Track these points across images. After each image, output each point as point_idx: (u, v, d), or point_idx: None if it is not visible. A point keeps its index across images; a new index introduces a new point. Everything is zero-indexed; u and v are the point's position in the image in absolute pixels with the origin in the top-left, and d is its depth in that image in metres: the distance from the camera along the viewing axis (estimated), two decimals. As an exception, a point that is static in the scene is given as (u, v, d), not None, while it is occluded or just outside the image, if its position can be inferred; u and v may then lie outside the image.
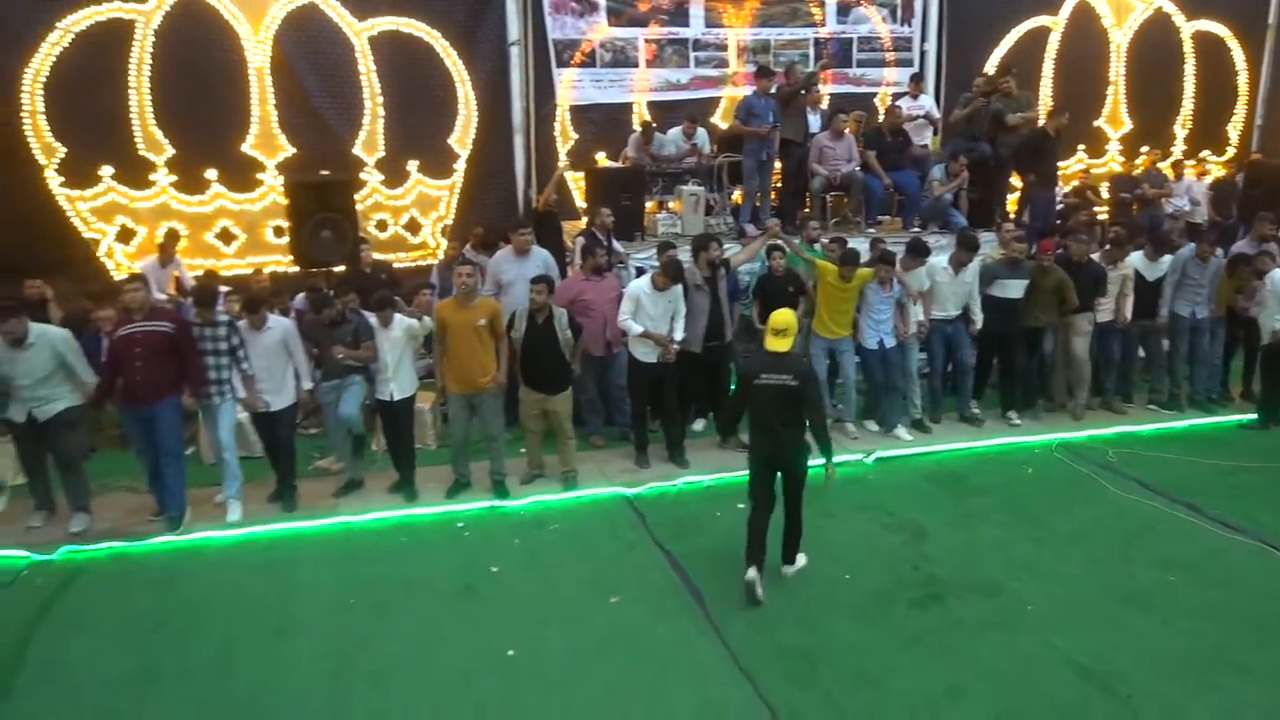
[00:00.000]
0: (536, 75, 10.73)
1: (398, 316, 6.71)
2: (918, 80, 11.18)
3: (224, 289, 8.07)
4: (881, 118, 10.90)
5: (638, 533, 6.43)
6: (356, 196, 9.82)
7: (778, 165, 9.78)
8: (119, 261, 9.79)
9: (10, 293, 7.65)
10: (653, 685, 4.72)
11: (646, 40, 11.10)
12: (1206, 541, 6.20)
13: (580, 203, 10.58)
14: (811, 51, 11.63)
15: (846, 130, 9.88)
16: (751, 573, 5.40)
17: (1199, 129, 13.34)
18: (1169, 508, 6.68)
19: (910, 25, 11.95)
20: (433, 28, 10.30)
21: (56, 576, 5.86)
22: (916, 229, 9.75)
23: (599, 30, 10.90)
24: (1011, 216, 9.97)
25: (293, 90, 9.98)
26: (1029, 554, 6.08)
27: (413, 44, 10.30)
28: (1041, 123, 10.19)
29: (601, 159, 10.94)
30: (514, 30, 10.56)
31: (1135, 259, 8.52)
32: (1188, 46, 13.02)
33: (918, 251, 7.96)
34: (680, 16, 11.16)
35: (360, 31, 10.08)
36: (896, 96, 11.34)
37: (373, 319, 6.74)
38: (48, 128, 9.31)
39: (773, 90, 9.31)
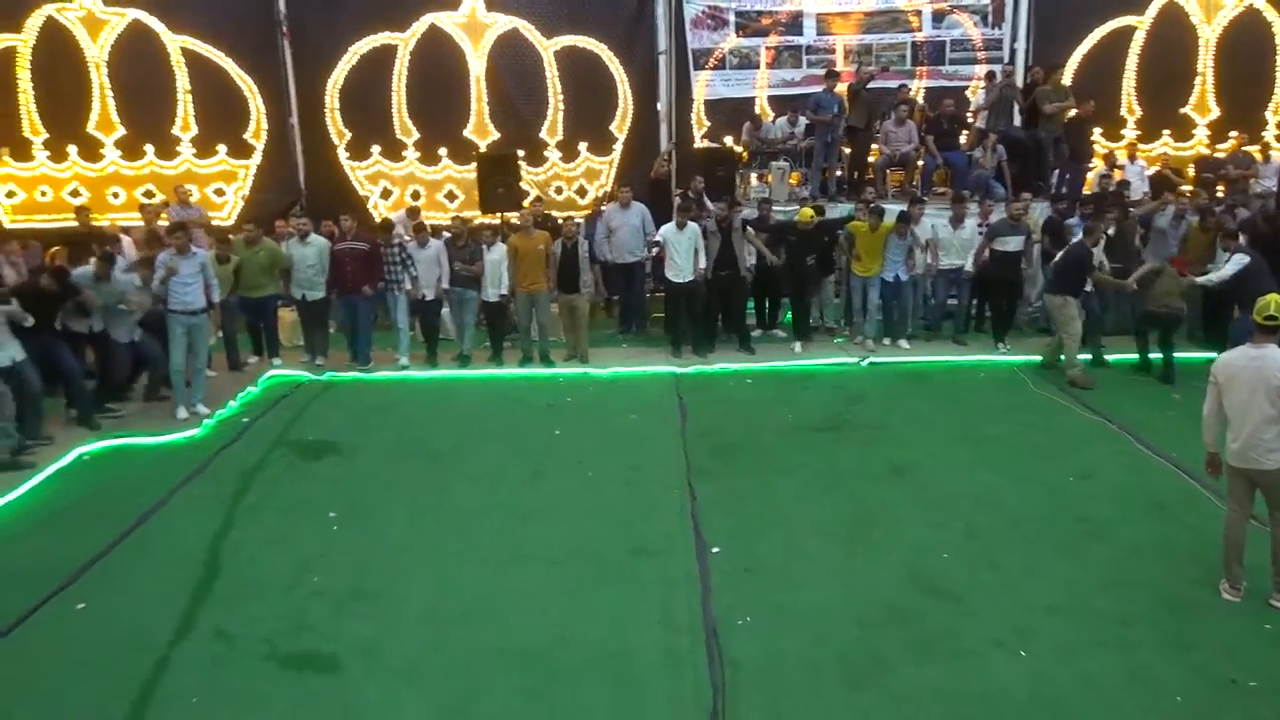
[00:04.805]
0: (678, 76, 14.00)
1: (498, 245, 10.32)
2: (991, 77, 13.35)
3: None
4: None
5: (671, 390, 9.65)
6: (539, 169, 13.76)
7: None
8: (381, 213, 14.11)
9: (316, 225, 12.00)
10: (635, 449, 7.99)
11: (767, 47, 14.05)
12: (1061, 416, 8.60)
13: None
14: (908, 53, 14.08)
15: (908, 119, 12.42)
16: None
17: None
18: (1059, 398, 9.02)
19: (1000, 28, 14.05)
20: (601, 42, 13.82)
21: (322, 386, 10.00)
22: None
23: (729, 40, 13.98)
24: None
25: (499, 91, 13.87)
26: (921, 411, 8.79)
27: (585, 55, 13.87)
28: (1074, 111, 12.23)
29: (728, 142, 14.04)
30: (662, 42, 13.89)
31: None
32: (1280, 40, 14.17)
33: (915, 201, 10.67)
34: (795, 27, 14.01)
35: (548, 47, 13.78)
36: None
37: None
38: (340, 119, 13.77)
39: (838, 88, 12.07)
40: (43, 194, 13.74)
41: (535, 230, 10.44)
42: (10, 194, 13.73)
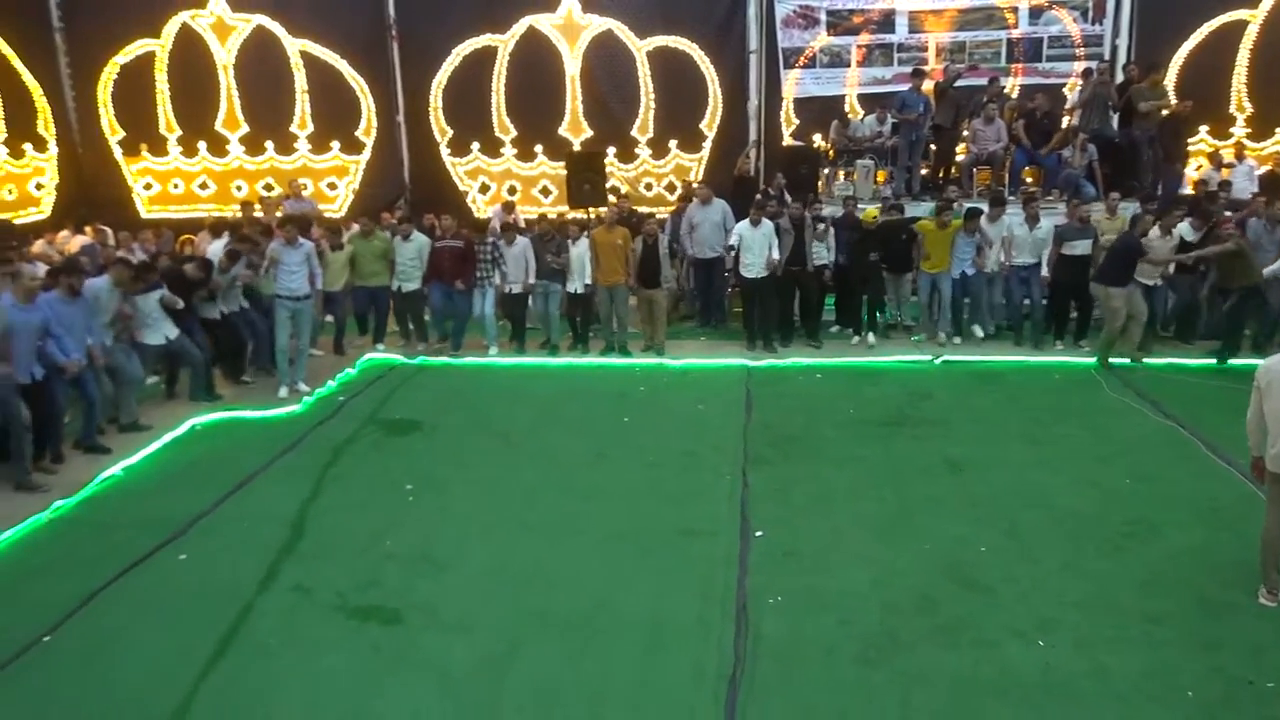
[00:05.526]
0: (767, 75, 14.22)
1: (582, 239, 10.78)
2: (1088, 75, 13.09)
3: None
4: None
5: (741, 383, 9.93)
6: (630, 166, 14.22)
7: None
8: (479, 207, 14.81)
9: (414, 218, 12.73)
10: (697, 437, 8.32)
11: (858, 45, 14.12)
12: (1130, 420, 8.53)
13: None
14: (1003, 50, 13.93)
15: (997, 117, 12.34)
16: None
17: None
18: (1138, 404, 8.92)
19: (1101, 24, 13.76)
20: (692, 42, 14.17)
21: (414, 369, 10.68)
22: (1051, 197, 12.01)
23: (820, 39, 14.12)
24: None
25: (593, 90, 14.37)
26: (986, 409, 8.83)
27: (677, 54, 14.24)
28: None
29: (817, 140, 14.19)
30: (753, 41, 14.14)
31: None
32: None
33: (996, 202, 10.58)
34: (887, 25, 14.04)
35: (640, 47, 14.20)
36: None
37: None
38: (442, 117, 14.51)
39: (924, 86, 12.09)
40: (175, 186, 14.94)
41: (615, 226, 10.85)
42: (147, 186, 14.97)
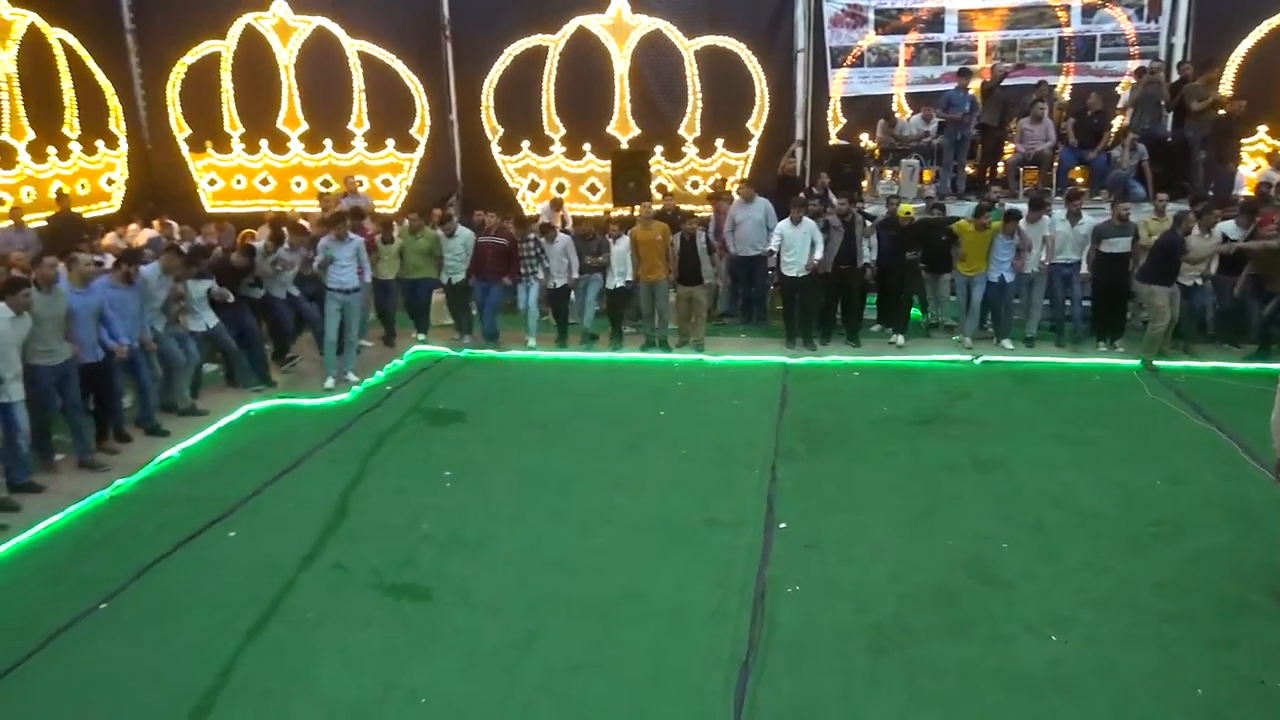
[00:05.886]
0: (815, 74, 14.26)
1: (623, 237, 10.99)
2: (1140, 73, 12.91)
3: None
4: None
5: (778, 379, 10.04)
6: (677, 164, 14.41)
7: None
8: (528, 204, 15.09)
9: (464, 217, 13.06)
10: (730, 431, 8.47)
11: (906, 44, 14.09)
12: (1169, 422, 8.46)
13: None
14: (1055, 49, 13.79)
15: (1045, 116, 12.25)
16: None
17: None
18: (1178, 407, 8.85)
19: (1157, 22, 13.54)
20: (740, 41, 14.25)
21: (460, 361, 10.99)
22: (1099, 198, 11.89)
23: (868, 38, 14.13)
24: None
25: (641, 89, 14.54)
26: (1021, 410, 8.84)
27: (725, 54, 14.34)
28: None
29: (864, 139, 14.20)
30: (801, 41, 14.19)
31: None
32: None
33: (1036, 205, 10.52)
34: (936, 24, 13.99)
35: (689, 46, 14.34)
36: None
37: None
38: (494, 115, 14.83)
39: (970, 86, 12.05)
40: (238, 182, 15.49)
41: (653, 222, 11.04)
42: (212, 182, 15.55)
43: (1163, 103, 12.01)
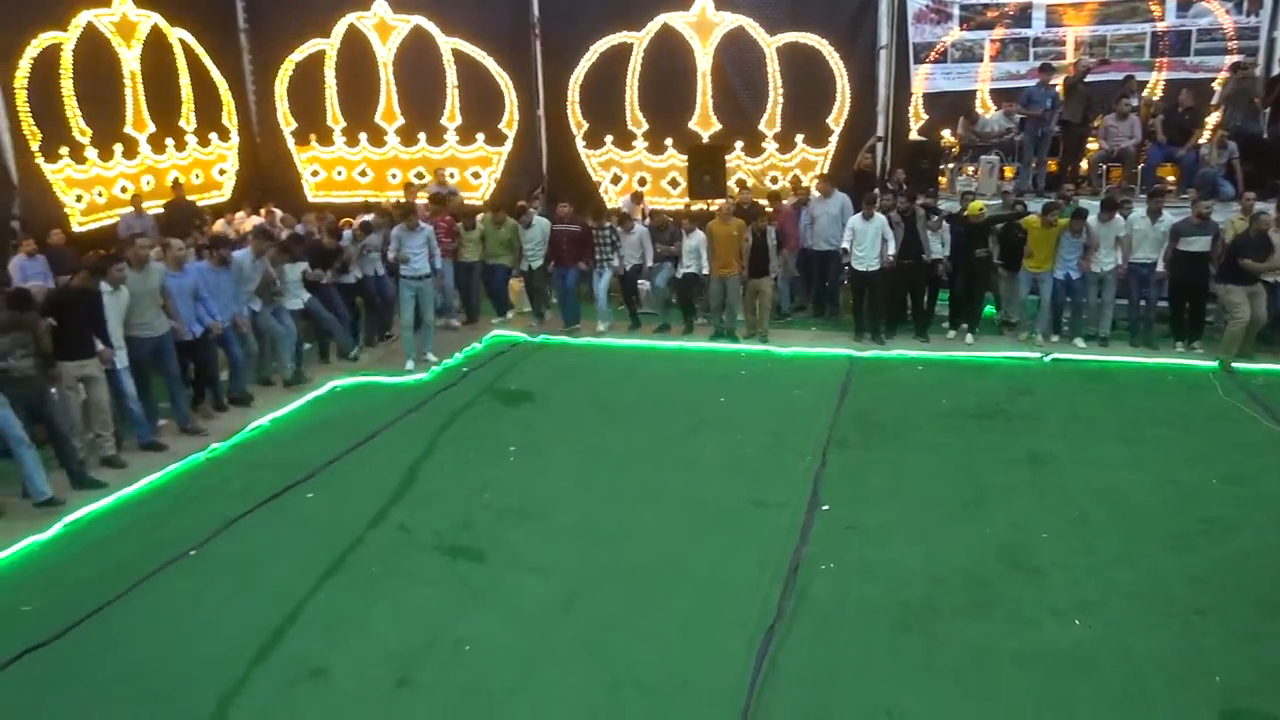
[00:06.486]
0: (897, 70, 14.26)
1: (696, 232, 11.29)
2: (1235, 68, 12.52)
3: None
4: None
5: (843, 372, 10.18)
6: (757, 160, 14.62)
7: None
8: (610, 198, 15.48)
9: (549, 209, 13.53)
10: (787, 419, 8.69)
11: (992, 40, 13.96)
12: (1237, 425, 8.32)
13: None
14: (1147, 44, 13.47)
15: (1131, 113, 12.02)
16: None
17: None
18: (1250, 409, 8.67)
19: (1258, 15, 13.09)
20: (822, 38, 14.34)
21: (535, 346, 11.45)
22: (1186, 196, 11.62)
23: (952, 34, 14.05)
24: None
25: (723, 85, 14.76)
26: (1085, 408, 8.79)
27: (806, 50, 14.44)
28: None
29: (946, 135, 14.14)
30: (883, 37, 14.19)
31: None
32: None
33: (1108, 206, 10.37)
34: (1023, 19, 13.81)
35: (770, 43, 14.50)
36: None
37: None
38: (579, 111, 15.28)
39: (1053, 82, 11.91)
40: (338, 173, 16.32)
41: (732, 217, 11.29)
42: (314, 173, 16.42)
43: (1257, 99, 11.64)
